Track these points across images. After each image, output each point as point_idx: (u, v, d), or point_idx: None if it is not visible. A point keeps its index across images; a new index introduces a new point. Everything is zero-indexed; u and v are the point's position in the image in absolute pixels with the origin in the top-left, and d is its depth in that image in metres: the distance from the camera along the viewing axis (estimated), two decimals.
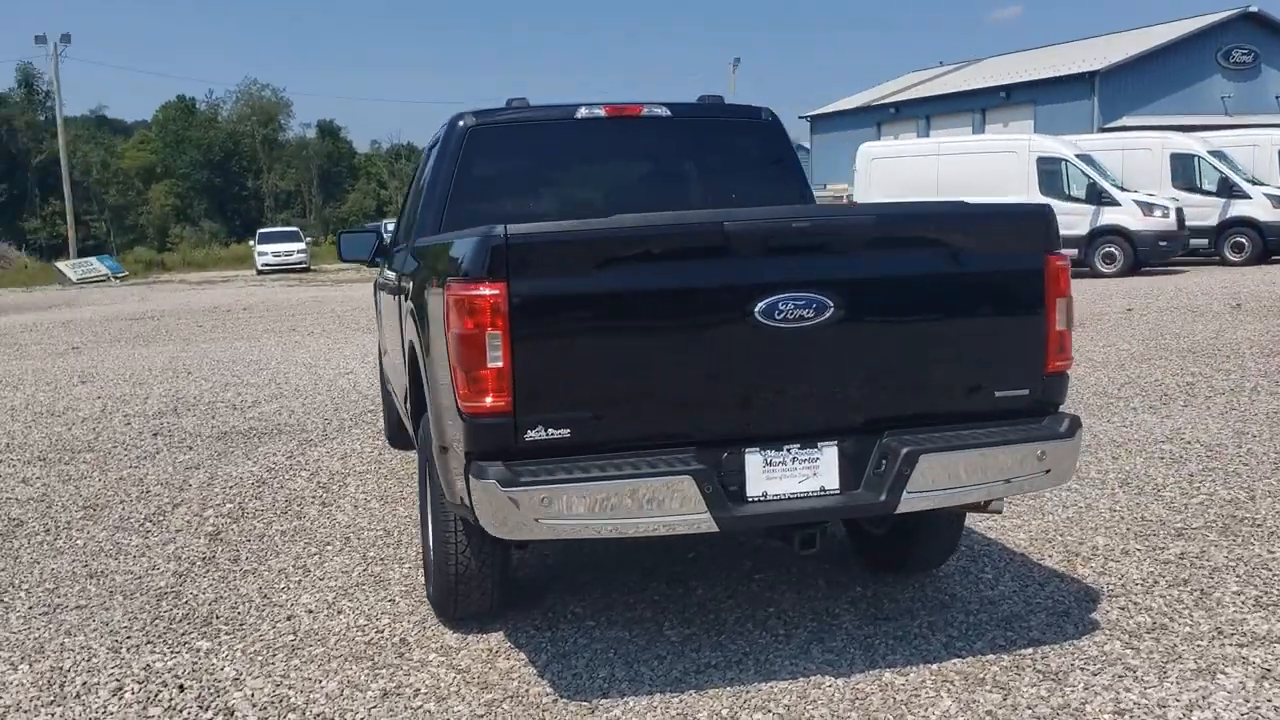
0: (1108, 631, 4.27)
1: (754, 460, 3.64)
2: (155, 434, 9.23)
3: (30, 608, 5.02)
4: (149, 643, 4.53)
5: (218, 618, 4.80)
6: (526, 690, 3.96)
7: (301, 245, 44.32)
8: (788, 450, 3.66)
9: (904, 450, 3.63)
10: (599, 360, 3.55)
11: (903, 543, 4.75)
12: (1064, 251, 3.93)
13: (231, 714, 3.84)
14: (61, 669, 4.26)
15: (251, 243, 47.27)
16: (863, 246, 3.69)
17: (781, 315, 3.49)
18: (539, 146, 5.56)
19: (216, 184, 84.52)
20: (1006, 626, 4.39)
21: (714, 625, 4.51)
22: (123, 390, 11.85)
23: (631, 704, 3.83)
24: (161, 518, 6.54)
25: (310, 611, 4.84)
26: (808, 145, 52.92)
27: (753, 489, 3.65)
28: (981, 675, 3.92)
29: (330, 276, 38.72)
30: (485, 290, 3.37)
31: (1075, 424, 3.88)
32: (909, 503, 3.65)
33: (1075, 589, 4.78)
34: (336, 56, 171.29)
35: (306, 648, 4.44)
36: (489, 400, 3.45)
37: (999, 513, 4.39)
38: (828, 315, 3.54)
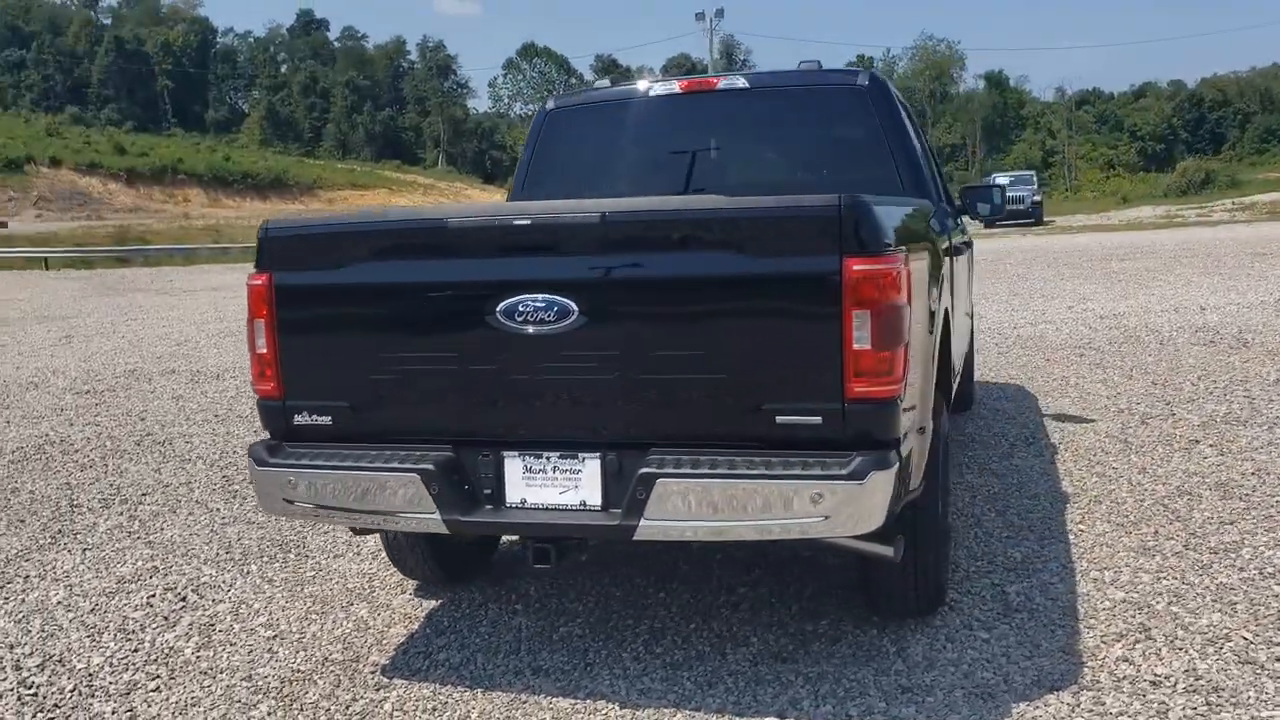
0: None
1: (513, 465, 3.36)
2: None
3: None
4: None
5: None
6: (377, 649, 3.86)
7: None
8: (547, 458, 3.33)
9: (640, 471, 3.13)
10: (353, 352, 3.51)
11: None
12: (892, 253, 3.04)
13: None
14: None
15: None
16: (600, 247, 3.22)
17: (522, 317, 3.21)
18: (613, 127, 5.30)
19: None
20: None
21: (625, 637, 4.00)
22: None
23: (419, 690, 3.58)
24: None
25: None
26: None
27: (512, 494, 3.37)
28: None
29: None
30: (255, 280, 3.51)
31: (871, 465, 3.00)
32: (648, 531, 3.15)
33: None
34: (1012, 4, 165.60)
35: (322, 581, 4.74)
36: (262, 384, 3.59)
37: (894, 560, 3.47)
38: (571, 320, 3.18)
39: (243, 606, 4.40)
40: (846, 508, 2.99)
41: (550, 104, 5.37)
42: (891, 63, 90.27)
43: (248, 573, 4.80)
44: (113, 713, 3.52)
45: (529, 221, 3.28)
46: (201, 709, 3.52)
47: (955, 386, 5.64)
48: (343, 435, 3.51)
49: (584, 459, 3.27)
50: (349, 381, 3.48)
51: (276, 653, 3.93)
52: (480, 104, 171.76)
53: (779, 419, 3.08)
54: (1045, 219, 43.42)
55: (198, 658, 3.91)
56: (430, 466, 3.29)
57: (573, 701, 3.45)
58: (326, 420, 3.51)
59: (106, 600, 4.54)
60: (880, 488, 3.01)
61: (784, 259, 3.02)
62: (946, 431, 4.19)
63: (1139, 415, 7.01)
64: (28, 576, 4.88)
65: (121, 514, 5.81)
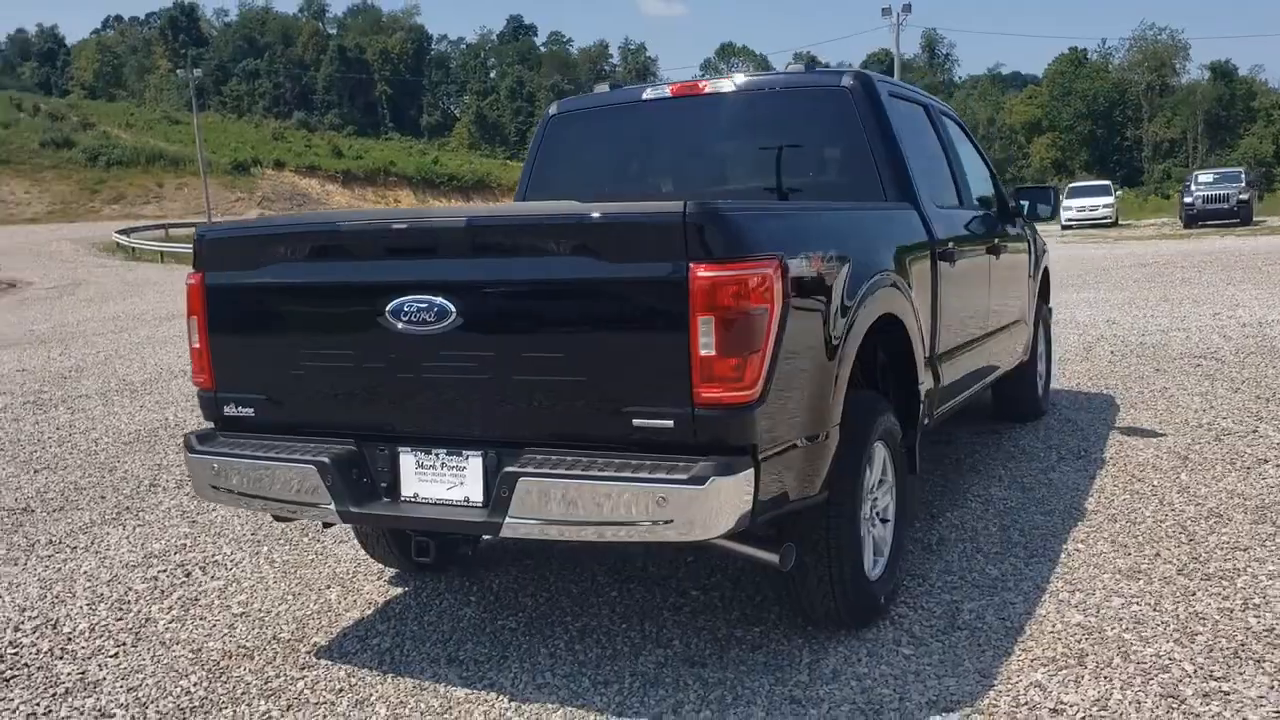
0: None
1: (407, 460, 3.50)
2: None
3: None
4: None
5: None
6: (324, 631, 4.08)
7: (1109, 200, 42.05)
8: (436, 455, 3.45)
9: (503, 470, 3.24)
10: (268, 348, 3.72)
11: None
12: (752, 260, 3.04)
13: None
14: None
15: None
16: (470, 251, 3.31)
17: (408, 318, 3.34)
18: (610, 130, 5.38)
19: (1098, 135, 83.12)
20: None
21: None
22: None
23: (337, 672, 3.76)
24: None
25: None
26: None
27: (406, 488, 3.50)
28: None
29: (1116, 234, 36.12)
30: (190, 280, 3.79)
31: (714, 470, 2.99)
32: (512, 528, 3.24)
33: None
34: None
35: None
36: (198, 376, 3.84)
37: (782, 568, 3.47)
38: (449, 321, 3.30)
39: (233, 585, 4.68)
40: (687, 512, 2.98)
41: (553, 109, 5.48)
42: (1107, 54, 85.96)
43: (258, 554, 5.10)
44: (68, 674, 3.84)
45: (406, 226, 3.40)
46: (143, 675, 3.79)
47: (974, 393, 5.47)
48: (263, 426, 3.71)
49: (468, 456, 3.37)
50: (266, 376, 3.68)
51: (235, 628, 4.18)
52: None
53: (635, 422, 3.10)
54: (1255, 219, 40.50)
55: (165, 630, 4.21)
56: (325, 459, 3.45)
57: (467, 692, 3.55)
58: (250, 412, 3.72)
59: (125, 572, 4.91)
60: (724, 493, 2.99)
61: (636, 265, 3.04)
62: (902, 436, 4.10)
63: (1217, 431, 6.57)
64: (75, 547, 5.33)
65: (188, 494, 6.24)
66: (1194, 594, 4.07)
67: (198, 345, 3.76)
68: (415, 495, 3.46)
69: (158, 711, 3.52)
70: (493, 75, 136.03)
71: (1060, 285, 14.52)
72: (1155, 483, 5.53)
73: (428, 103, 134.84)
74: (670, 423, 3.05)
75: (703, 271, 2.95)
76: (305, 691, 3.62)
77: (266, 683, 3.69)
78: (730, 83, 4.93)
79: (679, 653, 3.78)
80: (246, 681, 3.71)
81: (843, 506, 3.62)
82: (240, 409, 3.73)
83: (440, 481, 3.42)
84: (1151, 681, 3.39)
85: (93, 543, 5.39)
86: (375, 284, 3.38)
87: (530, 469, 3.16)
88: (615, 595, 4.35)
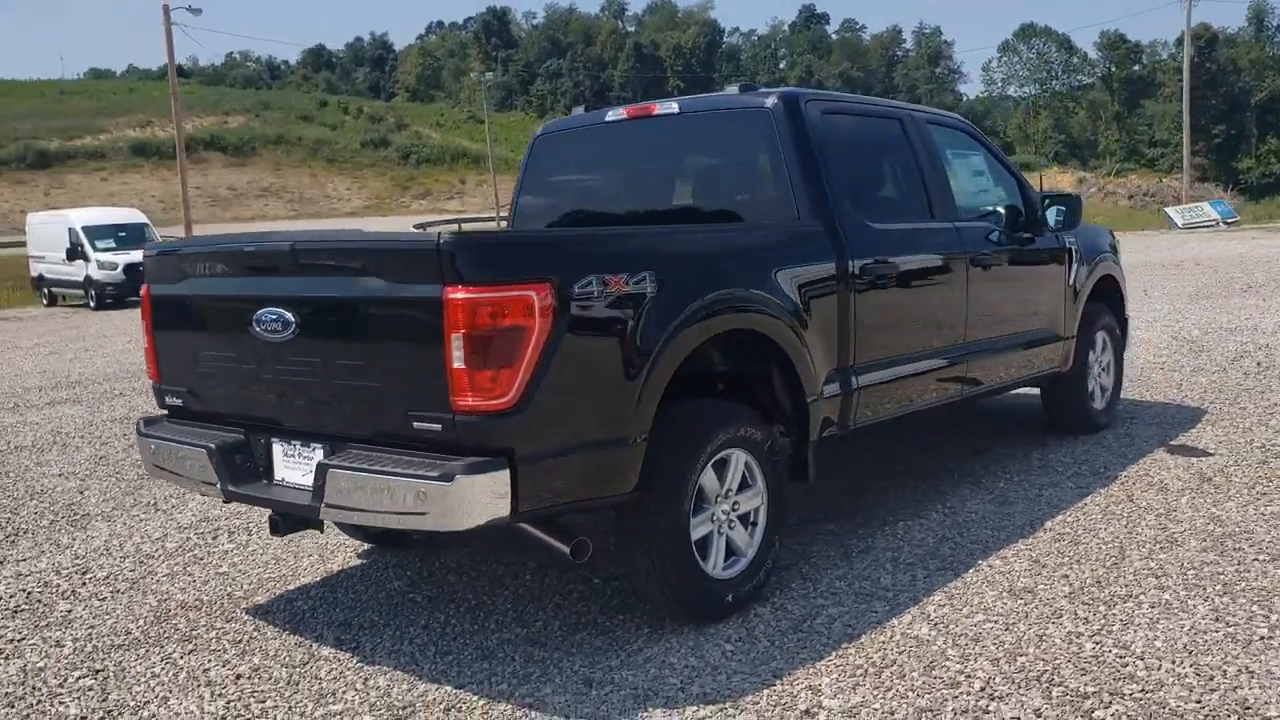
0: None
1: (278, 449, 4.04)
2: None
3: None
4: None
5: None
6: (264, 592, 4.74)
7: None
8: (295, 446, 3.98)
9: (317, 461, 3.76)
10: (186, 348, 4.36)
11: None
12: (507, 284, 3.43)
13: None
14: None
15: None
16: (298, 270, 3.83)
17: (265, 327, 3.88)
18: (580, 152, 5.77)
19: None
20: None
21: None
22: None
23: (240, 628, 4.40)
24: None
25: None
26: None
27: (279, 473, 4.06)
28: None
29: None
30: (143, 289, 4.50)
31: (463, 470, 3.39)
32: (329, 514, 3.78)
33: None
34: None
35: None
36: (150, 370, 4.54)
37: (574, 560, 3.85)
38: (291, 330, 3.82)
39: (235, 551, 5.41)
40: (440, 505, 3.40)
41: (538, 130, 5.93)
42: None
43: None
44: (59, 611, 4.66)
45: (255, 249, 3.98)
46: (110, 618, 4.54)
47: (958, 400, 5.53)
48: (191, 415, 4.36)
49: (315, 448, 3.90)
50: (187, 372, 4.34)
51: (208, 584, 4.90)
52: (971, 89, 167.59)
53: (415, 425, 3.54)
54: None
55: (157, 582, 4.99)
56: (213, 445, 4.07)
57: (331, 650, 4.07)
58: (180, 402, 4.40)
59: (176, 531, 5.78)
60: (473, 490, 3.37)
61: (409, 286, 3.48)
62: (770, 444, 4.29)
63: (1273, 453, 6.17)
64: (133, 512, 6.28)
65: None
66: (1059, 618, 4.04)
67: (147, 344, 4.48)
68: (282, 480, 4.03)
69: (95, 645, 4.26)
70: (782, 66, 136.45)
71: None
72: (1145, 504, 5.35)
73: None
74: (439, 426, 3.47)
75: (454, 294, 3.34)
76: (213, 640, 4.26)
77: (191, 630, 4.37)
78: (675, 105, 5.20)
79: (532, 633, 4.16)
80: (178, 628, 4.40)
81: (663, 506, 3.89)
82: (175, 399, 4.41)
83: (298, 469, 3.97)
84: (928, 695, 3.48)
85: (177, 504, 6.31)
86: (246, 297, 3.97)
87: (335, 462, 3.66)
88: (528, 579, 4.76)
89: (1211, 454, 6.24)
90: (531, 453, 3.49)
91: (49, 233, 27.38)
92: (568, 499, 3.65)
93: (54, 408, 10.10)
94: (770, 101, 4.82)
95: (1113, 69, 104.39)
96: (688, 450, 3.96)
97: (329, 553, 5.28)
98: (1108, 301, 7.03)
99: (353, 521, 3.72)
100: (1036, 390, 6.86)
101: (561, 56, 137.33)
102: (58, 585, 5.01)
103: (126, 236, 25.98)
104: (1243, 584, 4.27)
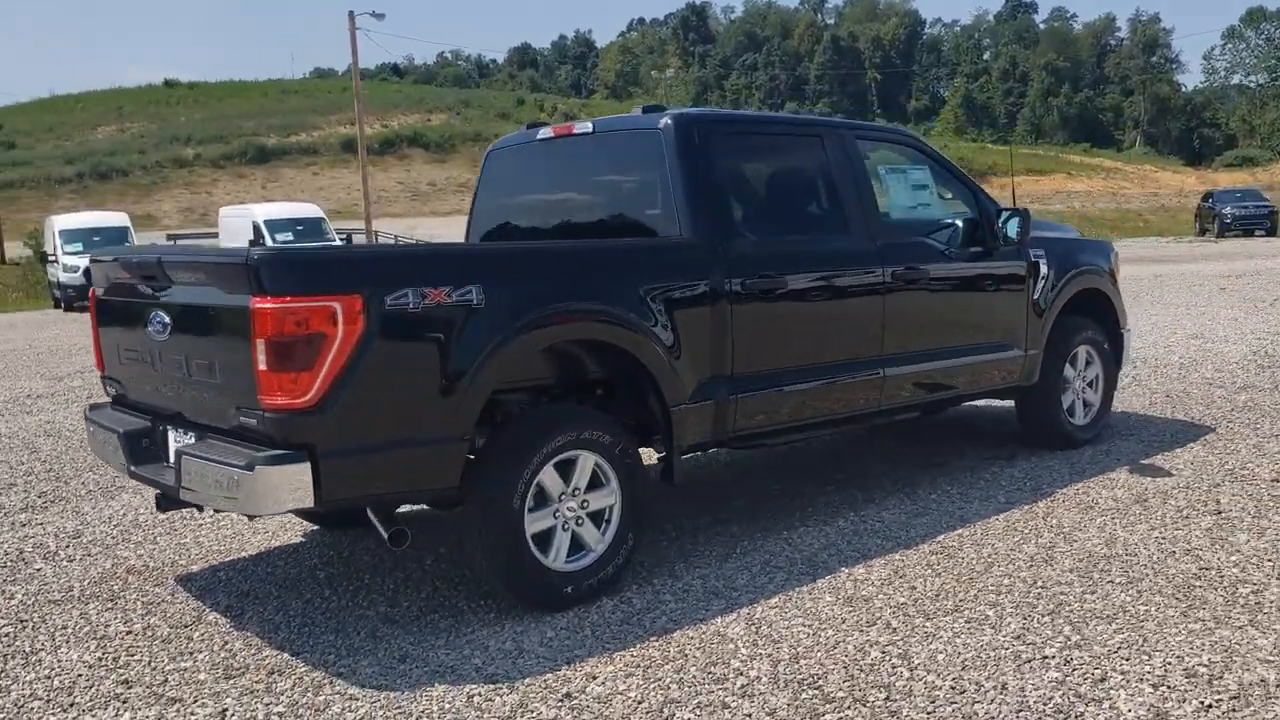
0: None
1: (172, 435, 4.56)
2: None
3: None
4: None
5: None
6: (203, 563, 5.33)
7: None
8: (179, 434, 4.50)
9: (175, 448, 4.31)
10: (113, 344, 4.94)
11: None
12: (310, 295, 3.85)
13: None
14: None
15: None
16: (165, 279, 4.41)
17: (153, 328, 4.43)
18: (518, 168, 6.12)
19: None
20: None
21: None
22: None
23: (160, 593, 4.98)
24: None
25: None
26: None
27: (171, 457, 4.56)
28: None
29: None
30: (91, 291, 5.16)
31: (262, 461, 3.85)
32: (186, 494, 4.25)
33: None
34: None
35: None
36: (97, 362, 5.15)
37: (391, 547, 4.29)
38: (169, 332, 4.36)
39: (207, 525, 6.02)
40: (247, 491, 3.87)
41: (491, 145, 6.33)
42: None
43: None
44: (36, 570, 5.37)
45: (138, 260, 4.55)
46: (68, 577, 5.22)
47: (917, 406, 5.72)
48: (124, 403, 4.98)
49: (191, 436, 4.44)
50: (115, 365, 4.95)
51: (163, 553, 5.53)
52: (1191, 79, 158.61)
53: (240, 420, 4.02)
54: None
55: (124, 549, 5.66)
56: (121, 430, 4.65)
57: (218, 618, 4.59)
58: (113, 391, 5.03)
59: (149, 514, 6.42)
60: (274, 479, 3.82)
61: (231, 295, 3.97)
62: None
63: (1225, 477, 6.01)
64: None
65: None
66: (870, 626, 4.19)
67: (93, 340, 5.12)
68: (168, 464, 4.57)
69: (37, 599, 4.92)
70: (985, 57, 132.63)
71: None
72: (1055, 523, 5.35)
73: (917, 87, 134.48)
74: (254, 421, 3.94)
75: (260, 304, 3.80)
76: (131, 600, 4.86)
77: (120, 591, 4.98)
78: (590, 125, 5.51)
79: (393, 613, 4.56)
80: (111, 589, 5.02)
81: (492, 501, 4.25)
82: (113, 389, 5.04)
83: None
84: (687, 689, 3.72)
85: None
86: (144, 302, 4.54)
87: (188, 450, 4.17)
88: (428, 564, 5.18)
89: (1172, 475, 6.11)
90: (335, 448, 3.91)
91: (237, 226, 29.70)
92: (380, 490, 4.06)
93: None
94: (663, 123, 5.07)
95: None
96: (519, 450, 4.30)
97: (280, 531, 5.84)
98: (1095, 315, 6.91)
99: (199, 502, 4.22)
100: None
101: (758, 51, 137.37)
102: (47, 546, 5.74)
103: (303, 230, 27.86)
104: (1076, 605, 4.29)
